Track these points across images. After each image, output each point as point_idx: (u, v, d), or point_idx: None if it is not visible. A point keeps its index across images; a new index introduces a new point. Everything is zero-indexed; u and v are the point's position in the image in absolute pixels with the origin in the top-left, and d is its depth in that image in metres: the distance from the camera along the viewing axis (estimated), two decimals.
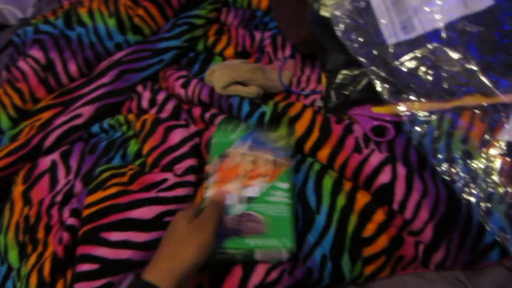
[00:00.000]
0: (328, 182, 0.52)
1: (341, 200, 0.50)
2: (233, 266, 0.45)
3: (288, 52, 0.72)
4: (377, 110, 0.57)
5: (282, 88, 0.66)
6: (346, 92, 0.58)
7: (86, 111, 0.63)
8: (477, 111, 0.53)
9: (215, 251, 0.44)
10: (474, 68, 0.53)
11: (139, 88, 0.67)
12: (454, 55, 0.54)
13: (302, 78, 0.68)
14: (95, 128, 0.63)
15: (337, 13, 0.58)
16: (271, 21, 0.79)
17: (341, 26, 0.58)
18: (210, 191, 0.47)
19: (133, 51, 0.68)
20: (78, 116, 0.62)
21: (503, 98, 0.52)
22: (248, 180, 0.48)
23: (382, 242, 0.47)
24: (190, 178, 0.52)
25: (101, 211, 0.47)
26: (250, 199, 0.47)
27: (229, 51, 0.74)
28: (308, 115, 0.57)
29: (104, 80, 0.65)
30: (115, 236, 0.45)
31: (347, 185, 0.51)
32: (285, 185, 0.48)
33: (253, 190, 0.47)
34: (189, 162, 0.53)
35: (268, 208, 0.46)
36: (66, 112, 0.62)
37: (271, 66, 0.70)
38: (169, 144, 0.55)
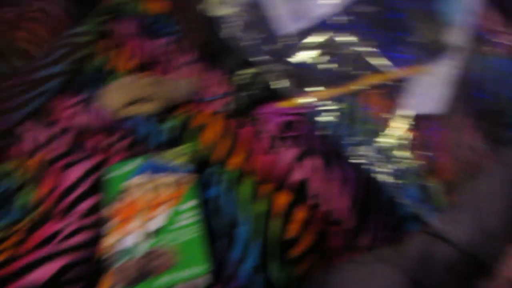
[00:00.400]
0: (245, 190, 0.49)
1: (260, 206, 0.48)
2: None
3: (193, 56, 0.68)
4: (282, 105, 0.56)
5: (188, 97, 0.62)
6: (250, 92, 0.55)
7: None
8: (379, 90, 0.54)
9: None
10: (371, 48, 0.53)
11: (25, 127, 0.59)
12: (351, 39, 0.53)
13: (209, 82, 0.65)
14: None
15: (228, 11, 0.55)
16: (172, 25, 0.73)
17: (233, 25, 0.55)
18: (109, 239, 0.43)
19: (6, 86, 0.60)
20: None
21: (402, 72, 0.53)
22: (151, 212, 0.44)
23: (308, 239, 0.46)
24: (91, 220, 0.46)
25: None
26: (155, 232, 0.43)
27: (128, 65, 0.68)
28: (216, 122, 0.54)
29: None
30: None
31: (265, 189, 0.49)
32: (191, 203, 0.45)
33: (157, 221, 0.44)
34: (89, 202, 0.48)
35: (176, 235, 0.43)
36: None
37: (176, 74, 0.65)
38: (65, 184, 0.49)
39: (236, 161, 0.50)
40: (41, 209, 0.48)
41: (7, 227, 0.47)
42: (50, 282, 0.41)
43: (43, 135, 0.57)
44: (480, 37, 0.54)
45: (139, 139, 0.56)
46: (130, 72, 0.67)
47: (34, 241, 0.44)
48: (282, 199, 0.48)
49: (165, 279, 0.40)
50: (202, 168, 0.52)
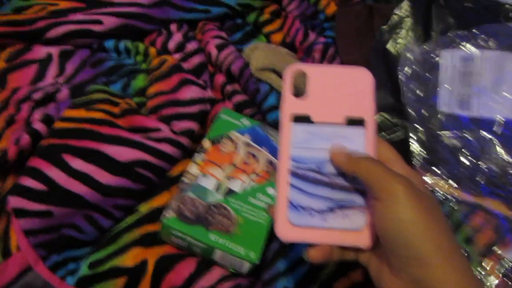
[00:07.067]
0: None
1: None
2: (188, 256, 0.40)
3: None
4: None
5: None
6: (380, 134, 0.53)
7: (109, 22, 0.56)
8: (493, 217, 0.50)
9: (174, 231, 0.38)
10: None
11: (173, 27, 0.61)
12: (501, 155, 0.50)
13: None
14: (109, 43, 0.56)
15: (408, 55, 0.54)
16: (329, 29, 0.73)
17: (407, 70, 0.53)
18: (194, 168, 0.42)
19: None
20: (98, 22, 0.55)
21: None
22: (237, 172, 0.43)
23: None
24: (184, 141, 0.46)
25: (75, 130, 0.40)
26: (230, 192, 0.41)
27: (277, 37, 0.69)
28: None
29: (143, 0, 0.59)
30: (78, 164, 0.38)
31: None
32: (274, 192, 0.43)
33: (237, 184, 0.42)
34: (191, 124, 0.47)
35: (247, 209, 0.41)
36: (87, 12, 0.55)
37: None
38: (178, 96, 0.49)
39: None
40: (149, 102, 0.49)
41: (113, 95, 0.47)
42: (123, 165, 0.40)
43: (186, 44, 0.57)
44: None
45: (255, 103, 0.55)
46: (277, 44, 0.68)
47: (128, 122, 0.44)
48: None
49: (217, 238, 0.38)
50: None
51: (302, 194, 0.28)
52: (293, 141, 0.29)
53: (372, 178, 0.26)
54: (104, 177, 0.39)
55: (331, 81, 0.30)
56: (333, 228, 0.27)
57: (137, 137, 0.43)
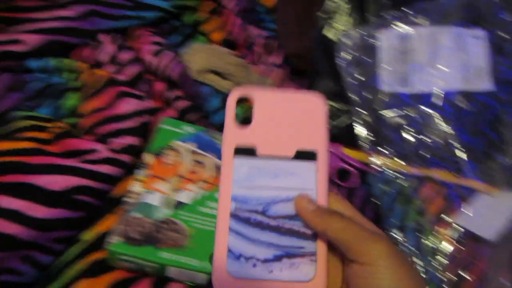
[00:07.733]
0: None
1: None
2: (141, 277, 0.38)
3: (278, 60, 0.67)
4: (348, 152, 0.53)
5: None
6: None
7: (31, 40, 0.52)
8: (442, 187, 0.51)
9: (122, 256, 0.36)
10: (456, 146, 0.51)
11: (104, 38, 0.58)
12: (442, 127, 0.51)
13: None
14: (34, 63, 0.53)
15: (346, 41, 0.54)
16: (270, 22, 0.73)
17: (345, 56, 0.53)
18: (137, 186, 0.40)
19: None
20: (19, 42, 0.51)
21: (470, 182, 0.51)
22: (184, 183, 0.41)
23: None
24: (125, 158, 0.44)
25: (1, 165, 0.37)
26: (179, 205, 0.40)
27: (217, 36, 0.67)
28: None
29: (68, 13, 0.55)
30: (7, 202, 0.35)
31: None
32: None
33: (186, 196, 0.41)
34: (131, 140, 0.45)
35: (197, 219, 0.39)
36: (5, 32, 0.51)
37: (256, 68, 0.64)
38: (115, 111, 0.47)
39: None
40: (81, 121, 0.46)
41: (42, 119, 0.44)
42: (59, 194, 0.38)
43: (119, 55, 0.55)
44: None
45: (198, 107, 0.54)
46: (217, 43, 0.66)
47: (61, 147, 0.42)
48: None
49: (169, 255, 0.37)
50: None
51: (243, 241, 0.24)
52: (235, 178, 0.25)
53: (348, 239, 0.23)
54: (38, 211, 0.37)
55: (280, 107, 0.26)
56: (279, 280, 0.24)
57: (71, 162, 0.40)
